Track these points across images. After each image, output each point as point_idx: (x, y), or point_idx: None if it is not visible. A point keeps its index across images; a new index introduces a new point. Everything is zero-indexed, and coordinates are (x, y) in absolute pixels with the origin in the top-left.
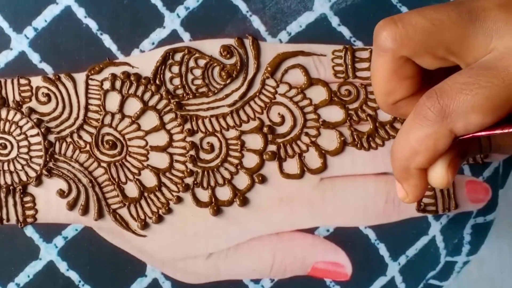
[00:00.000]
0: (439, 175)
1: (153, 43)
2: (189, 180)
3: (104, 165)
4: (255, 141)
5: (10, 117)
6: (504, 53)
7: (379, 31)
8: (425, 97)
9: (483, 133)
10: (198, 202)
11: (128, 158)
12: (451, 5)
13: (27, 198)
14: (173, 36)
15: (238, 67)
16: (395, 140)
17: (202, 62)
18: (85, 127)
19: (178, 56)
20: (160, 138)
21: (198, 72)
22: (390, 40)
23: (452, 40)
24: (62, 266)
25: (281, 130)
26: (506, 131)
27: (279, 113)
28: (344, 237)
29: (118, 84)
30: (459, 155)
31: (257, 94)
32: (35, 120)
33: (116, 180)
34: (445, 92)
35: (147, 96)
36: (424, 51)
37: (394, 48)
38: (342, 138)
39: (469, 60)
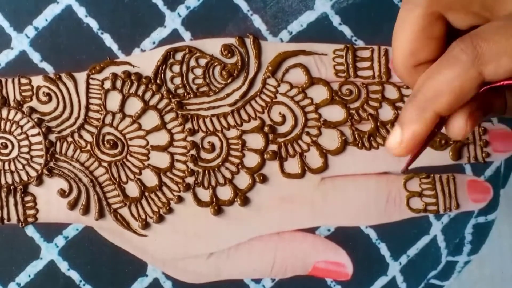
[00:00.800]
0: (457, 124)
1: (154, 43)
2: (190, 180)
3: (105, 164)
4: (256, 140)
5: (11, 117)
6: None
7: None
8: (459, 40)
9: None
10: (199, 202)
11: (129, 157)
12: None
13: (28, 198)
14: (174, 35)
15: (239, 67)
16: (418, 80)
17: (203, 62)
18: (86, 126)
19: (179, 56)
20: (161, 138)
21: (199, 71)
22: None
23: None
24: (63, 265)
25: (282, 129)
26: None
27: (280, 113)
28: (345, 237)
29: (119, 83)
30: (481, 108)
31: (258, 93)
32: (36, 120)
33: (117, 180)
34: (479, 34)
35: (148, 95)
36: (459, 5)
37: (428, 2)
38: (343, 138)
39: (503, 14)
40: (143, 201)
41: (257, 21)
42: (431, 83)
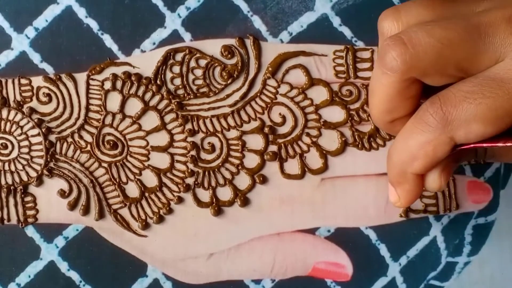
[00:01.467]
0: (432, 179)
1: (154, 43)
2: (190, 181)
3: (105, 165)
4: (256, 141)
5: (11, 117)
6: (510, 65)
7: (388, 50)
8: (428, 102)
9: (484, 144)
10: (199, 203)
11: (129, 158)
12: (456, 21)
13: (28, 198)
14: (174, 36)
15: (239, 67)
16: (393, 143)
17: (203, 62)
18: (86, 127)
19: (179, 56)
20: (161, 138)
21: (199, 72)
22: (400, 62)
23: (462, 58)
24: (63, 266)
25: (282, 130)
26: (508, 144)
27: (280, 113)
28: (345, 238)
29: (119, 84)
30: (453, 160)
31: (258, 94)
32: (36, 120)
33: (117, 180)
34: (448, 100)
35: (148, 96)
36: (434, 70)
37: (404, 70)
38: (343, 139)
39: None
40: (143, 202)
41: (257, 22)
42: (405, 147)
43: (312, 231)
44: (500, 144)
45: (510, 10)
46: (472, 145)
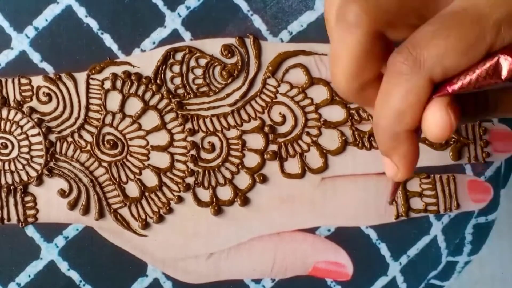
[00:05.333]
0: (437, 115)
1: (154, 43)
2: (190, 180)
3: (105, 164)
4: (256, 140)
5: (11, 117)
6: None
7: (347, 6)
8: (395, 53)
9: (475, 87)
10: (199, 202)
11: (129, 157)
12: None
13: (28, 198)
14: (174, 36)
15: (239, 67)
16: (375, 109)
17: (203, 62)
18: (86, 126)
19: (179, 56)
20: (161, 138)
21: (199, 71)
22: (364, 14)
23: (421, 4)
24: (63, 265)
25: (282, 129)
26: (492, 83)
27: (280, 113)
28: (345, 237)
29: (119, 83)
30: (457, 102)
31: (258, 93)
32: (36, 120)
33: (117, 180)
34: (416, 42)
35: (148, 95)
36: (398, 20)
37: (368, 21)
38: (343, 138)
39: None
40: (143, 201)
41: (257, 21)
42: (387, 107)
43: (312, 231)
44: (483, 85)
45: None
46: (459, 87)
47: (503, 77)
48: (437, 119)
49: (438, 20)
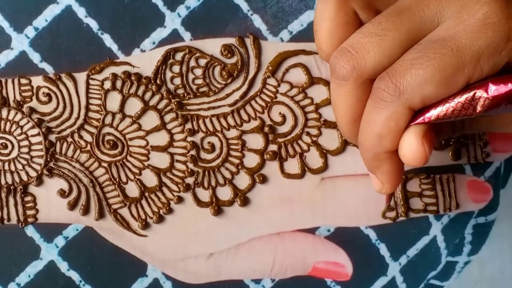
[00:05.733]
0: (412, 144)
1: (153, 43)
2: (190, 180)
3: (105, 165)
4: (256, 140)
5: (10, 117)
6: (449, 23)
7: (336, 62)
8: (378, 80)
9: (451, 118)
10: (199, 202)
11: (129, 158)
12: (386, 12)
13: (28, 198)
14: (174, 36)
15: (239, 67)
16: (359, 130)
17: (203, 62)
18: (86, 127)
19: (179, 56)
20: (161, 138)
21: (199, 71)
22: (349, 68)
23: (402, 39)
24: (63, 266)
25: (282, 129)
26: (471, 113)
27: (280, 113)
28: (345, 237)
29: (118, 83)
30: (432, 129)
31: (258, 93)
32: (35, 120)
33: (117, 180)
34: (396, 71)
35: (147, 95)
36: (382, 66)
37: (355, 75)
38: (343, 138)
39: None
40: (143, 202)
41: (257, 21)
42: (369, 130)
43: (312, 231)
44: (461, 115)
45: None
46: (435, 117)
47: (477, 111)
48: (412, 149)
49: (419, 47)
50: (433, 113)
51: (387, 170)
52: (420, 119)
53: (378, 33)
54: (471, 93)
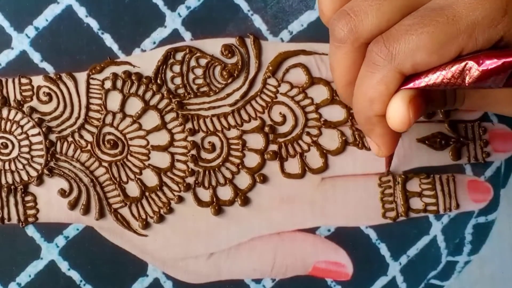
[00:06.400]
0: (398, 108)
1: (154, 43)
2: (191, 180)
3: (105, 164)
4: (256, 140)
5: (11, 117)
6: None
7: (335, 24)
8: (372, 43)
9: (440, 86)
10: (200, 202)
11: (129, 157)
12: None
13: (28, 198)
14: (174, 36)
15: (239, 67)
16: (353, 94)
17: (203, 62)
18: (86, 126)
19: (179, 56)
20: (161, 138)
21: (199, 71)
22: (347, 30)
23: (401, 5)
24: (63, 265)
25: (283, 129)
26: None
27: (280, 113)
28: (345, 237)
29: (119, 83)
30: (421, 96)
31: (258, 93)
32: (36, 120)
33: (117, 180)
34: (391, 35)
35: (148, 95)
36: (379, 30)
37: (352, 37)
38: (343, 138)
39: None
40: (144, 201)
41: (258, 21)
42: (361, 92)
43: (312, 231)
44: (450, 84)
45: None
46: (426, 83)
47: (466, 83)
48: (397, 113)
49: (416, 14)
50: (423, 80)
51: (381, 133)
52: (410, 85)
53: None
54: (463, 64)
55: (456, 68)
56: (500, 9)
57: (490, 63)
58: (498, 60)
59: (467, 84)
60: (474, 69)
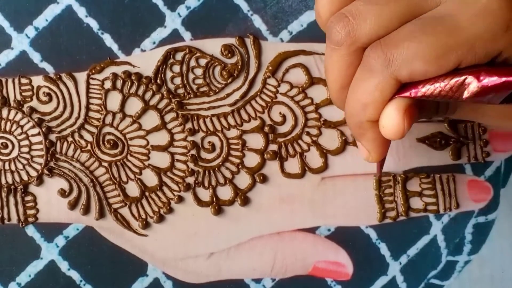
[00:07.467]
0: (392, 116)
1: (154, 43)
2: (190, 180)
3: (105, 164)
4: (256, 140)
5: (11, 117)
6: (451, 3)
7: (332, 27)
8: (369, 48)
9: (437, 98)
10: (199, 202)
11: (129, 157)
12: None
13: (28, 198)
14: (174, 36)
15: (239, 67)
16: (347, 97)
17: (203, 62)
18: (86, 126)
19: (179, 56)
20: (161, 138)
21: (199, 71)
22: (344, 33)
23: (402, 12)
24: (63, 265)
25: (282, 129)
26: (461, 98)
27: (280, 113)
28: (345, 237)
29: (119, 83)
30: (416, 105)
31: (258, 93)
32: (36, 120)
33: (117, 180)
34: (390, 41)
35: (148, 95)
36: (376, 35)
37: (349, 41)
38: (343, 138)
39: None
40: (144, 201)
41: (257, 21)
42: (355, 97)
43: (312, 230)
44: (448, 96)
45: None
46: (423, 93)
47: (464, 97)
48: (392, 122)
49: (418, 22)
50: (420, 90)
51: (372, 138)
52: (406, 93)
53: (378, 2)
54: (462, 78)
55: (455, 81)
56: (502, 25)
57: (491, 81)
58: (499, 78)
59: (464, 99)
60: (473, 84)
